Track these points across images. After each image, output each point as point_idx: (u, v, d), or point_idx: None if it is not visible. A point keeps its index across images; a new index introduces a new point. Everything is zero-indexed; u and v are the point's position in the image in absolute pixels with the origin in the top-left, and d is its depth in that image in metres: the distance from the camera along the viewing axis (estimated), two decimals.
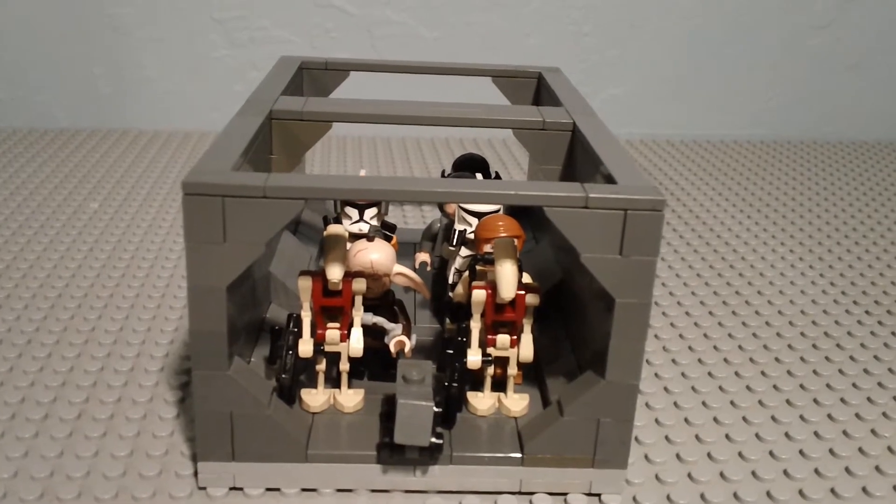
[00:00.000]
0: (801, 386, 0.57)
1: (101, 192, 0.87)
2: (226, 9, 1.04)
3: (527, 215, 0.62)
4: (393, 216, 0.82)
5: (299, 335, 0.46)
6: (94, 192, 0.87)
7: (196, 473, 0.46)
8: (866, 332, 0.64)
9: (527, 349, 0.47)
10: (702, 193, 0.93)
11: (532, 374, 0.51)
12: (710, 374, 0.58)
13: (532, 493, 0.46)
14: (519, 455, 0.45)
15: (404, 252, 0.60)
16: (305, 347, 0.46)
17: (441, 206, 0.58)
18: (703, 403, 0.55)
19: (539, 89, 0.64)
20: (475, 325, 0.47)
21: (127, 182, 0.90)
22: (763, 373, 0.59)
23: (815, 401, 0.56)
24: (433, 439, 0.43)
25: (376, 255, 0.47)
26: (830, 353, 0.61)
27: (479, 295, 0.46)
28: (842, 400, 0.56)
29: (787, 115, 1.16)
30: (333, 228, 0.47)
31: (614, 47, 1.10)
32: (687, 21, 1.10)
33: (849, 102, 1.16)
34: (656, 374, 0.58)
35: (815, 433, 0.52)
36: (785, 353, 0.61)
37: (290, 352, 0.46)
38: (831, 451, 0.51)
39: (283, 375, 0.46)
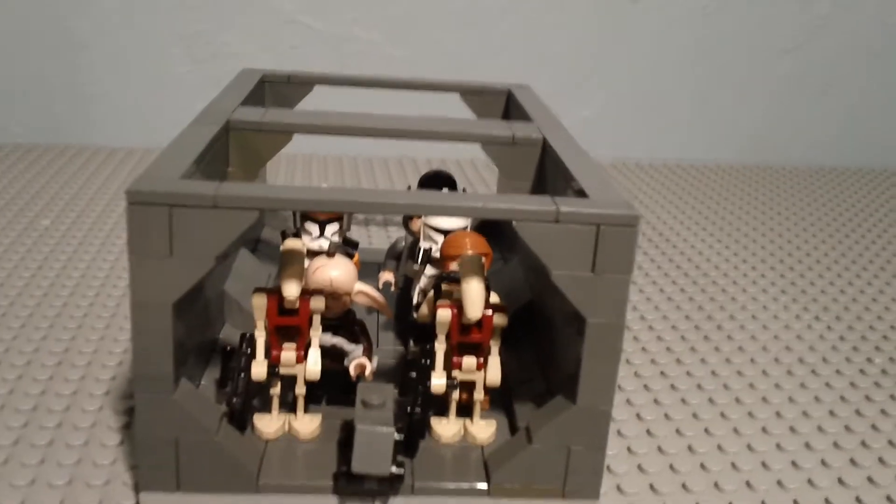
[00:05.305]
0: (777, 413, 0.55)
1: (54, 209, 0.83)
2: (188, 23, 1.02)
3: (495, 234, 0.60)
4: (356, 236, 0.80)
5: (252, 356, 0.44)
6: (46, 208, 0.83)
7: None
8: (841, 358, 0.63)
9: (494, 372, 0.45)
10: (671, 217, 0.92)
11: (500, 400, 0.48)
12: (683, 400, 0.56)
13: None
14: (485, 485, 0.43)
15: (368, 272, 0.58)
16: (259, 370, 0.44)
17: (406, 224, 0.56)
18: (677, 431, 0.53)
19: (508, 106, 0.62)
20: (440, 347, 0.45)
21: (81, 199, 0.87)
22: (737, 399, 0.57)
23: (792, 429, 0.54)
24: (394, 468, 0.41)
25: (336, 272, 0.45)
26: (806, 379, 0.60)
27: (443, 315, 0.44)
28: (819, 428, 0.54)
29: (756, 140, 1.15)
30: (290, 243, 0.45)
31: (583, 70, 1.09)
32: (656, 45, 1.09)
33: (817, 127, 1.16)
34: (628, 401, 0.56)
35: (793, 462, 0.50)
36: (759, 380, 0.59)
37: (243, 374, 0.44)
38: (810, 482, 0.49)
39: (235, 399, 0.44)
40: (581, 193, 0.41)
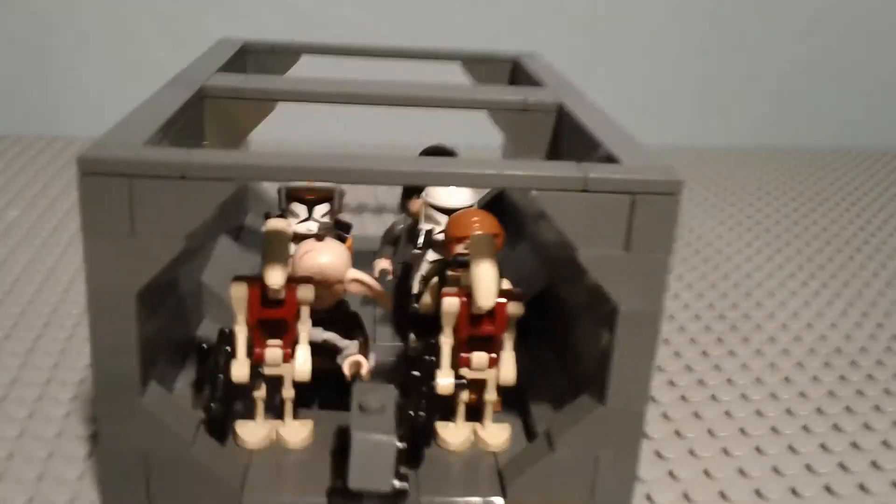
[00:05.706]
0: (818, 410, 0.50)
1: (22, 200, 0.78)
2: (166, 5, 0.96)
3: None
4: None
5: (232, 355, 0.40)
6: (14, 200, 0.78)
7: None
8: (881, 348, 0.58)
9: (508, 370, 0.41)
10: (688, 200, 0.87)
11: (513, 400, 0.44)
12: (713, 397, 0.51)
13: None
14: (500, 499, 0.38)
15: (362, 262, 0.53)
16: (240, 370, 0.40)
17: (403, 204, 0.50)
18: (709, 432, 0.48)
19: (515, 75, 0.57)
20: (446, 342, 0.41)
21: (51, 190, 0.81)
22: (773, 395, 0.52)
23: (836, 426, 0.49)
24: (396, 482, 0.37)
25: (327, 257, 0.41)
26: (845, 371, 0.55)
27: (450, 304, 0.40)
28: (865, 426, 0.49)
29: (772, 122, 1.11)
30: (274, 223, 0.39)
31: (589, 57, 1.04)
32: (663, 29, 1.04)
33: (830, 111, 1.11)
34: (653, 398, 0.50)
35: (841, 465, 0.45)
36: (795, 373, 0.54)
37: (221, 376, 0.40)
38: (861, 487, 0.44)
39: (213, 405, 0.40)
40: (610, 160, 0.36)
